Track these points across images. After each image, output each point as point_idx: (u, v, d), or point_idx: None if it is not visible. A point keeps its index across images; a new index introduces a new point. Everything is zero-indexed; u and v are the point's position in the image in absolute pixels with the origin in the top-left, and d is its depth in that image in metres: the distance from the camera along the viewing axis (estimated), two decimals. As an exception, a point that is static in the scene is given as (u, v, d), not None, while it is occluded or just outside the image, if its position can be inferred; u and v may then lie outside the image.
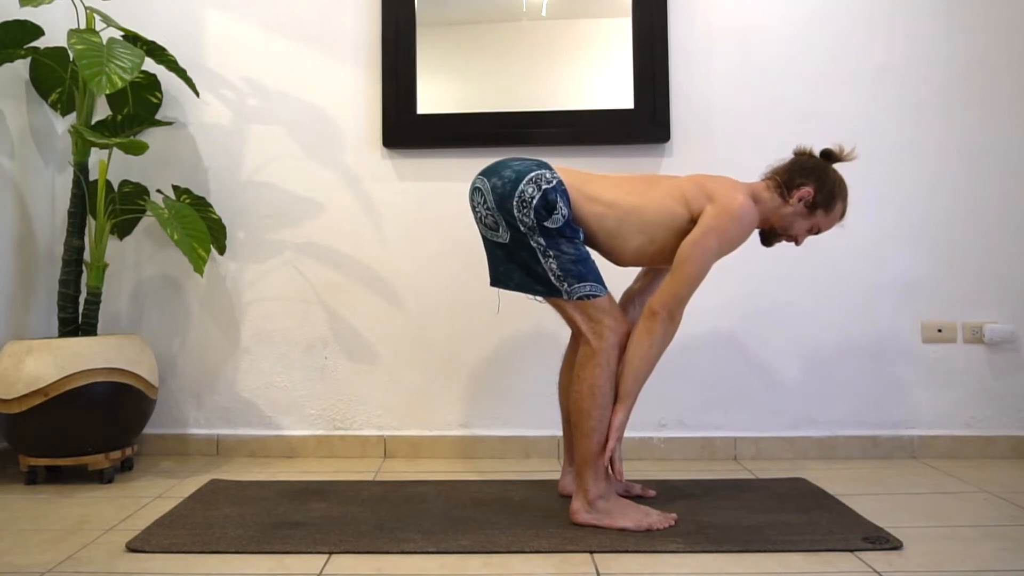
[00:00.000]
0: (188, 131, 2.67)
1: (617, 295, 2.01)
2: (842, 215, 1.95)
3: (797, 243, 1.97)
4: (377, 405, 2.62)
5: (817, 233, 1.96)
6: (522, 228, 1.79)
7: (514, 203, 1.79)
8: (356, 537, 1.75)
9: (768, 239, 1.99)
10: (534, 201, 1.78)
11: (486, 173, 1.86)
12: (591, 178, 1.90)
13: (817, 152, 1.95)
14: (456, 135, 2.60)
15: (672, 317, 1.82)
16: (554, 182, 1.80)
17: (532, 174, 1.80)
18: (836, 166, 1.94)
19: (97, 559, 1.65)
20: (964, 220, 2.55)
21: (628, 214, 1.85)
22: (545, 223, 1.78)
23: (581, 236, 1.84)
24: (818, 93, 2.57)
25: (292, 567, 1.60)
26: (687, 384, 2.56)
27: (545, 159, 1.92)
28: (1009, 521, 1.86)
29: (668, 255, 1.86)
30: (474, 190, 1.87)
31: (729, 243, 1.84)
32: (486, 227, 1.86)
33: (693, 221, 1.84)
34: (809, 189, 1.88)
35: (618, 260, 1.93)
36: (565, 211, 1.79)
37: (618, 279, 2.03)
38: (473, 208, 1.88)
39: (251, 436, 2.62)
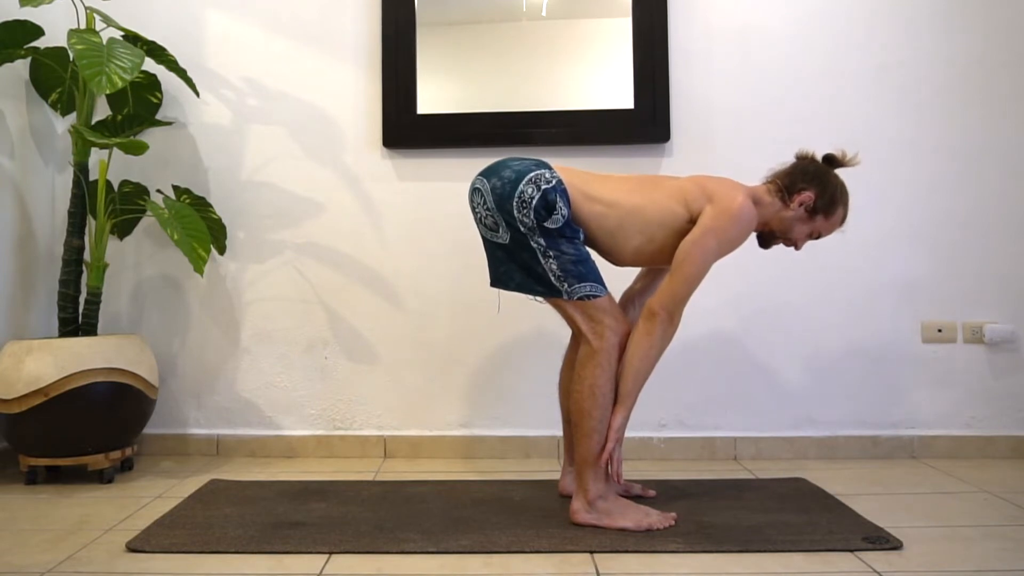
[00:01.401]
0: (188, 131, 2.67)
1: (617, 295, 2.01)
2: (842, 221, 1.95)
3: (796, 247, 1.97)
4: (377, 405, 2.62)
5: (817, 238, 1.96)
6: (522, 229, 1.79)
7: (514, 203, 1.78)
8: (356, 537, 1.75)
9: (766, 242, 1.99)
10: (534, 201, 1.77)
11: (485, 174, 1.86)
12: (592, 178, 1.90)
13: (819, 156, 1.95)
14: (456, 135, 2.60)
15: (671, 317, 1.82)
16: (553, 182, 1.80)
17: (532, 174, 1.80)
18: (838, 171, 1.94)
19: (97, 559, 1.65)
20: (964, 220, 2.55)
21: (630, 214, 1.85)
22: (545, 223, 1.78)
23: (581, 236, 1.84)
24: (818, 93, 2.57)
25: (292, 567, 1.60)
26: (687, 384, 2.56)
27: (545, 159, 1.92)
28: (1009, 521, 1.86)
29: (667, 255, 1.86)
30: (473, 191, 1.87)
31: (729, 243, 1.84)
32: (486, 228, 1.86)
33: (692, 221, 1.84)
34: (810, 194, 1.88)
35: (617, 260, 1.93)
36: (565, 211, 1.79)
37: (618, 279, 2.03)
38: (473, 209, 1.88)
39: (251, 436, 2.62)
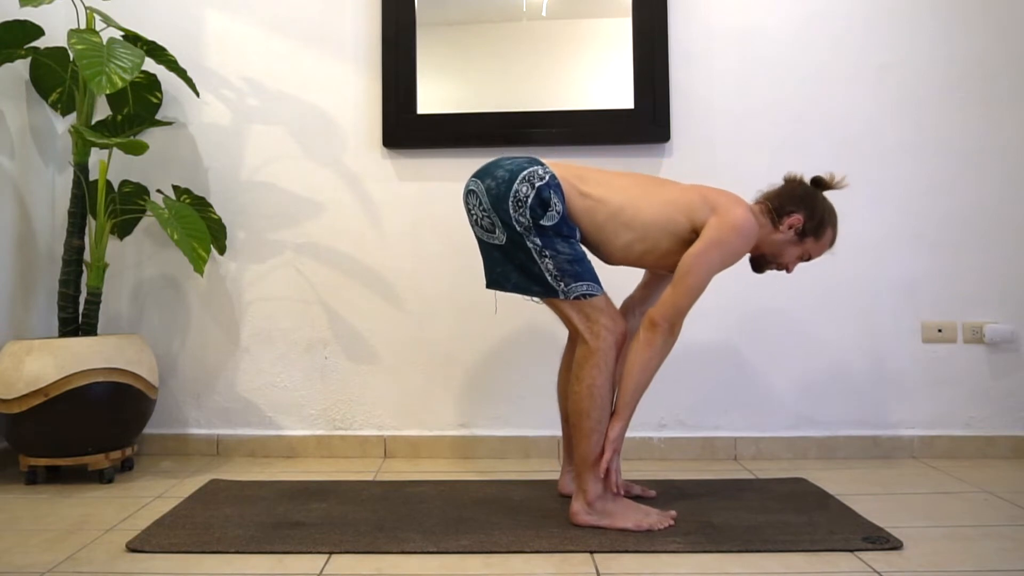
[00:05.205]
0: (188, 131, 2.67)
1: (616, 299, 2.00)
2: (831, 243, 1.95)
3: (788, 271, 1.97)
4: (377, 405, 2.62)
5: (808, 260, 1.96)
6: (518, 228, 1.79)
7: (509, 203, 1.78)
8: (356, 537, 1.75)
9: (759, 266, 1.99)
10: (529, 200, 1.77)
11: (479, 175, 1.86)
12: (586, 172, 1.89)
13: (807, 179, 1.95)
14: (456, 135, 2.60)
15: (672, 329, 1.82)
16: (547, 178, 1.80)
17: (525, 172, 1.80)
18: (826, 193, 1.94)
19: (97, 559, 1.65)
20: (964, 220, 2.55)
21: (621, 210, 1.84)
22: (541, 221, 1.78)
23: (577, 235, 1.84)
24: (818, 93, 2.57)
25: (292, 567, 1.60)
26: (687, 384, 2.56)
27: (545, 159, 1.91)
28: (1009, 521, 1.86)
29: (658, 256, 1.87)
30: (468, 192, 1.87)
31: (731, 255, 1.84)
32: (482, 229, 1.86)
33: (694, 231, 1.84)
34: (799, 216, 1.89)
35: (606, 255, 1.92)
36: (559, 207, 1.79)
37: (618, 282, 2.03)
38: (468, 211, 1.88)
39: (251, 436, 2.62)
